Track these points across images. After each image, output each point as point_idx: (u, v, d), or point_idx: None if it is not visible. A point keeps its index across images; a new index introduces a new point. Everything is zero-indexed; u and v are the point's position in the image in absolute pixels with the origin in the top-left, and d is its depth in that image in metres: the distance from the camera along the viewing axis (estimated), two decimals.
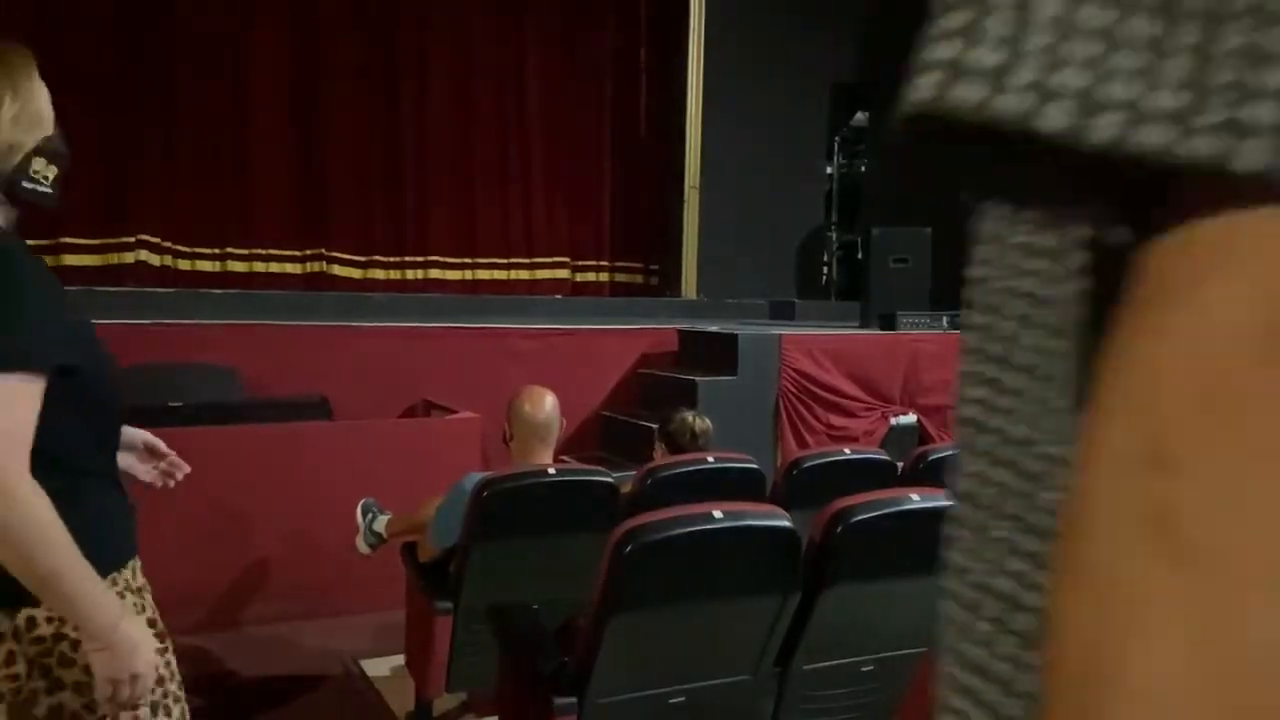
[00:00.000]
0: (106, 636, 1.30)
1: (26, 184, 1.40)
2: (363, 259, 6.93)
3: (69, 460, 1.36)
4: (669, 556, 1.86)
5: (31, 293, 1.31)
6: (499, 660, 2.38)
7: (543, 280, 7.51)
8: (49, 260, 5.87)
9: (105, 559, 1.36)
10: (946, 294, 6.07)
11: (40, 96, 1.42)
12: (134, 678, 1.33)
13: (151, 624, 1.49)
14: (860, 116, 8.79)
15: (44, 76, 1.38)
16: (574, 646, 1.99)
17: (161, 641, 1.49)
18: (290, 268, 6.53)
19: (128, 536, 1.50)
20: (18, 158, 1.38)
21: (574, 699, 1.92)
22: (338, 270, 6.82)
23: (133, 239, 6.03)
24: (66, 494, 1.27)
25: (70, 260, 5.91)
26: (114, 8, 6.03)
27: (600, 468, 2.86)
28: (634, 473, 2.94)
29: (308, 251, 6.71)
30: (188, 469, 1.75)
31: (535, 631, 2.25)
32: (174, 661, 1.54)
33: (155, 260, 5.99)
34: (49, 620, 1.35)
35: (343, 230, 6.83)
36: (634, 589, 1.86)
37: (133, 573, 1.49)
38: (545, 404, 2.85)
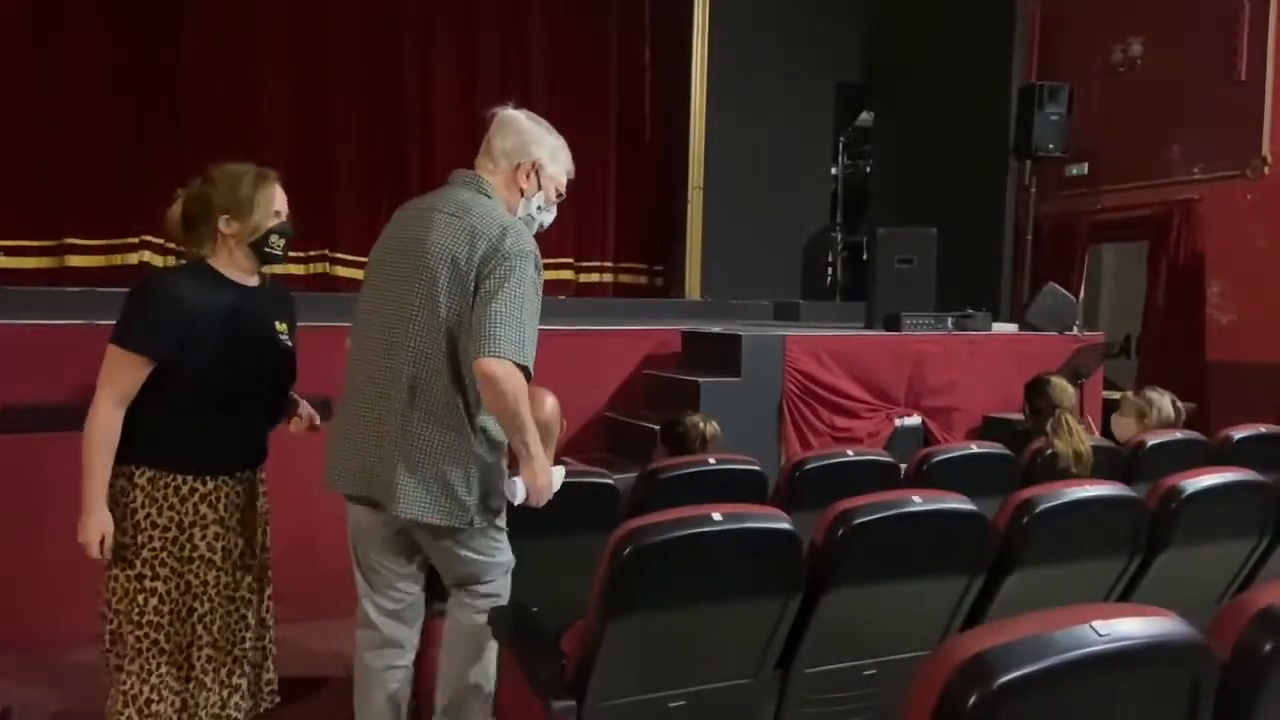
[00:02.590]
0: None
1: (267, 250, 2.30)
2: (367, 260, 6.90)
3: (168, 401, 2.17)
4: (668, 559, 1.84)
5: (153, 312, 2.17)
6: (499, 662, 2.36)
7: (546, 281, 7.46)
8: (53, 261, 5.88)
9: (148, 458, 2.19)
10: (951, 295, 6.04)
11: (276, 200, 2.31)
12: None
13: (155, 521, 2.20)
14: (865, 116, 8.78)
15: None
16: (574, 649, 1.98)
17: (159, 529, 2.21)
18: (294, 268, 6.52)
19: (189, 456, 2.21)
20: (259, 235, 2.28)
21: (573, 702, 1.91)
22: (341, 271, 6.82)
23: (136, 239, 6.03)
24: (162, 416, 2.17)
25: (75, 261, 5.91)
26: (119, 11, 6.03)
27: (602, 469, 2.85)
28: (636, 474, 2.93)
29: (311, 252, 6.71)
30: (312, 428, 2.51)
31: (535, 634, 2.23)
32: (177, 549, 2.21)
33: (159, 261, 5.98)
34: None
35: (346, 231, 6.82)
36: (634, 591, 1.84)
37: (182, 482, 2.21)
38: (545, 405, 2.83)
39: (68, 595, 3.38)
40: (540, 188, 2.36)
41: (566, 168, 2.41)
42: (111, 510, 2.18)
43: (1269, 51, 6.30)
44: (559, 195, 2.42)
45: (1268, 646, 1.31)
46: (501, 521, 2.35)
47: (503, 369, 2.07)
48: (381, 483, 2.18)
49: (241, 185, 2.25)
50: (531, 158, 2.32)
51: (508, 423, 2.16)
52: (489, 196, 2.28)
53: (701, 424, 3.32)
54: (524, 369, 2.13)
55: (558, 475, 2.29)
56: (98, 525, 2.14)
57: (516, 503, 2.23)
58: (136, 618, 2.19)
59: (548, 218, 2.44)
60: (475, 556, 2.30)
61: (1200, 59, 6.66)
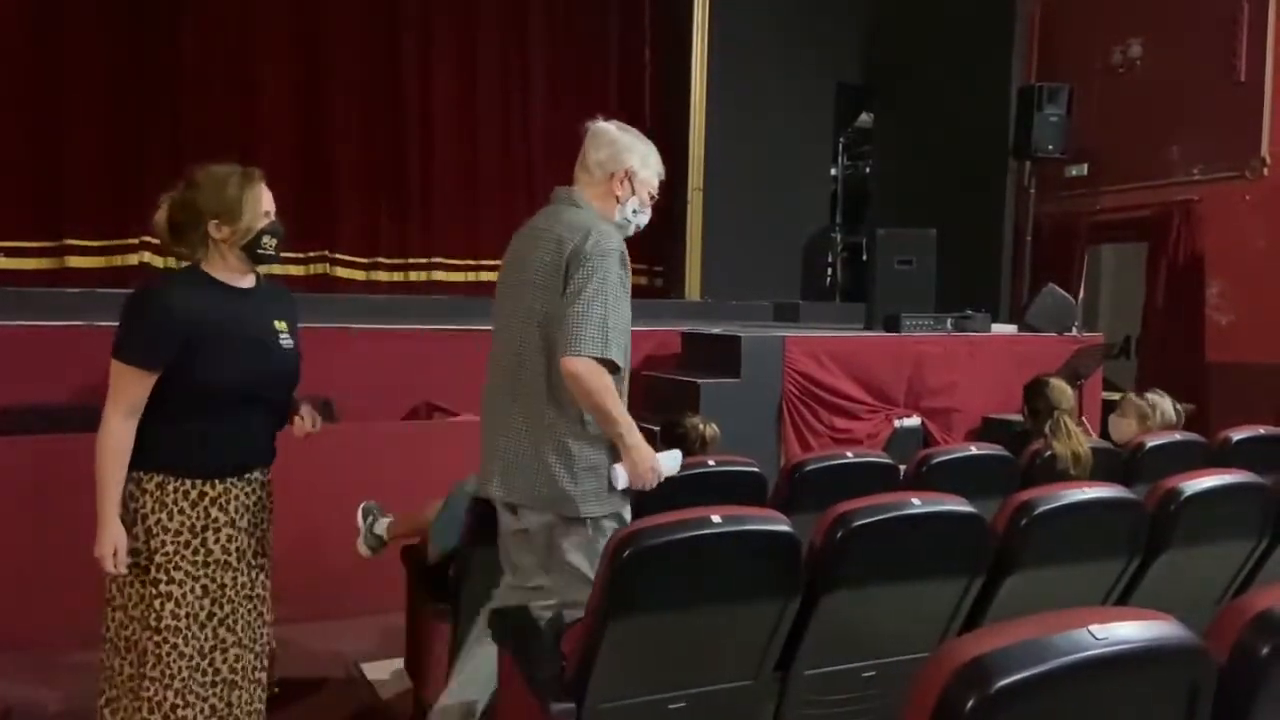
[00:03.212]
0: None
1: (259, 251, 2.28)
2: (366, 260, 6.92)
3: (172, 407, 2.18)
4: (667, 561, 1.84)
5: (148, 323, 2.16)
6: (498, 664, 2.36)
7: None
8: (53, 262, 5.89)
9: (156, 464, 2.19)
10: (951, 296, 6.05)
11: (264, 200, 2.28)
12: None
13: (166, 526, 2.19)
14: (865, 117, 8.79)
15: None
16: (574, 651, 1.98)
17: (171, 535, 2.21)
18: (293, 269, 6.53)
19: (195, 460, 2.21)
20: (250, 237, 2.26)
21: (573, 704, 1.91)
22: (341, 272, 6.82)
23: (136, 240, 6.04)
24: (167, 422, 2.18)
25: (74, 262, 5.92)
26: (118, 11, 6.04)
27: None
28: None
29: (311, 253, 6.72)
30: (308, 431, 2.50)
31: (535, 635, 2.24)
32: (191, 553, 2.22)
33: (159, 262, 5.98)
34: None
35: (346, 232, 6.83)
36: (633, 594, 1.84)
37: (191, 486, 2.21)
38: None
39: (68, 595, 3.39)
40: (634, 192, 2.52)
41: (657, 170, 2.59)
42: (122, 517, 2.19)
43: (1268, 52, 6.31)
44: (652, 197, 2.59)
45: (1265, 649, 1.31)
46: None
47: (584, 366, 2.22)
48: (501, 478, 2.40)
49: (228, 188, 2.23)
50: (624, 166, 2.49)
51: (597, 417, 2.29)
52: (579, 206, 2.47)
53: (701, 425, 3.32)
54: (608, 363, 2.25)
55: (670, 461, 2.42)
56: (110, 539, 2.14)
57: (619, 487, 2.34)
58: (154, 623, 2.18)
59: (643, 219, 2.59)
60: (579, 564, 2.33)
61: (1200, 60, 6.66)
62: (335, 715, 3.17)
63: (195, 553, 2.22)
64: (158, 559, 2.19)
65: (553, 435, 2.33)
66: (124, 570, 2.17)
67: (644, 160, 2.54)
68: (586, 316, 2.23)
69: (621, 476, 2.33)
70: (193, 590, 2.21)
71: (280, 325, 2.35)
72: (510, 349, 2.42)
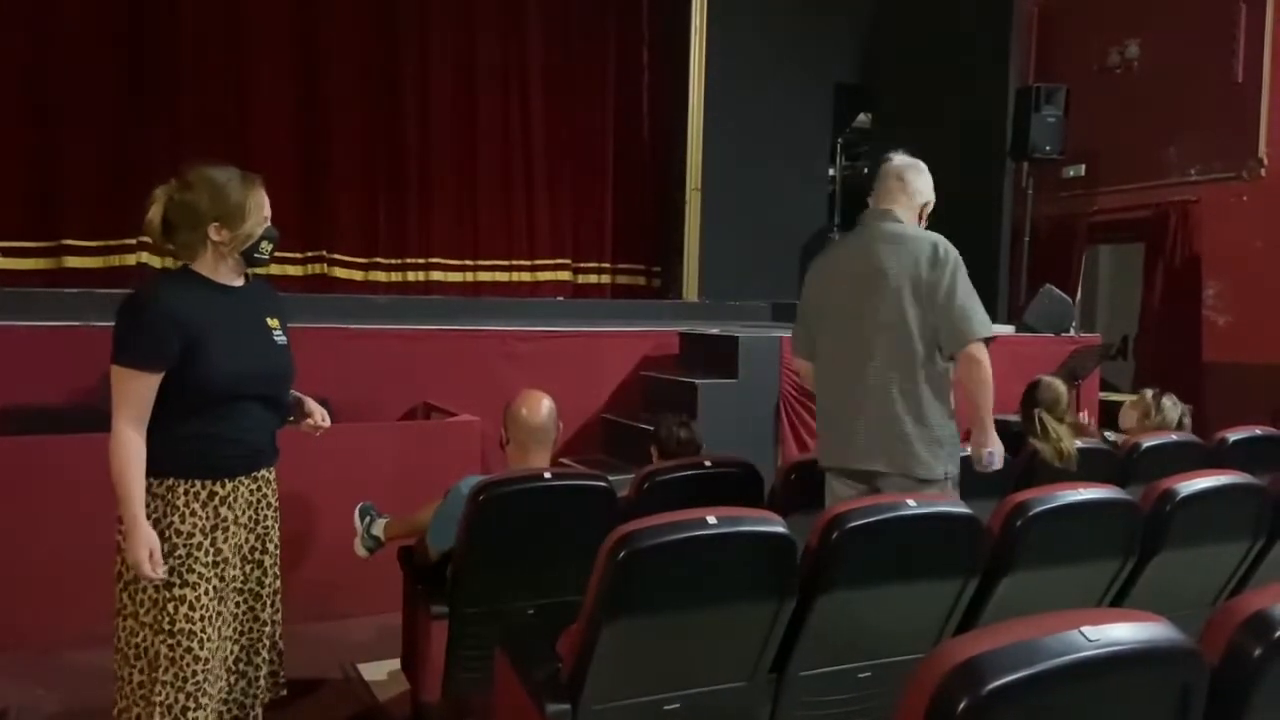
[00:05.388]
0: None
1: (256, 255, 2.29)
2: (364, 261, 6.92)
3: (175, 410, 2.18)
4: (663, 562, 1.85)
5: (147, 325, 2.15)
6: (494, 665, 2.37)
7: (544, 282, 7.49)
8: (51, 262, 5.89)
9: (164, 468, 2.18)
10: None
11: (265, 205, 2.29)
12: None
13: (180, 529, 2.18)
14: (863, 118, 8.78)
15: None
16: (569, 652, 1.98)
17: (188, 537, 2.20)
18: (291, 269, 6.53)
19: (202, 461, 2.21)
20: (251, 242, 2.27)
21: (568, 705, 1.91)
22: (339, 272, 6.82)
23: (134, 241, 6.03)
24: (170, 426, 2.18)
25: (72, 262, 5.91)
26: (117, 11, 6.03)
27: (597, 471, 2.85)
28: (633, 476, 2.93)
29: (309, 253, 6.71)
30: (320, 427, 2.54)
31: (530, 636, 2.24)
32: (203, 554, 2.21)
33: (156, 262, 5.97)
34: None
35: (344, 232, 6.82)
36: (628, 595, 1.85)
37: (200, 487, 2.21)
38: (542, 408, 2.84)
39: (67, 596, 3.39)
40: (922, 220, 2.94)
41: None
42: None
43: (1265, 53, 6.32)
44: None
45: (1259, 650, 1.31)
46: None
47: (981, 351, 2.68)
48: (861, 451, 2.86)
49: (231, 193, 2.23)
50: (930, 198, 2.96)
51: (983, 394, 2.69)
52: (903, 222, 2.88)
53: (676, 429, 3.32)
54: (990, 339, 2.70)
55: (999, 453, 2.77)
56: (144, 542, 2.12)
57: (995, 468, 2.74)
58: (168, 626, 2.17)
59: None
60: None
61: (1197, 61, 6.67)
62: (332, 715, 3.17)
63: (206, 553, 2.22)
64: (171, 562, 2.17)
65: (909, 417, 2.71)
66: (163, 575, 2.13)
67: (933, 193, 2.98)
68: (970, 308, 2.67)
69: (999, 457, 2.71)
70: (206, 592, 2.21)
71: (273, 323, 2.36)
72: (862, 351, 2.79)
